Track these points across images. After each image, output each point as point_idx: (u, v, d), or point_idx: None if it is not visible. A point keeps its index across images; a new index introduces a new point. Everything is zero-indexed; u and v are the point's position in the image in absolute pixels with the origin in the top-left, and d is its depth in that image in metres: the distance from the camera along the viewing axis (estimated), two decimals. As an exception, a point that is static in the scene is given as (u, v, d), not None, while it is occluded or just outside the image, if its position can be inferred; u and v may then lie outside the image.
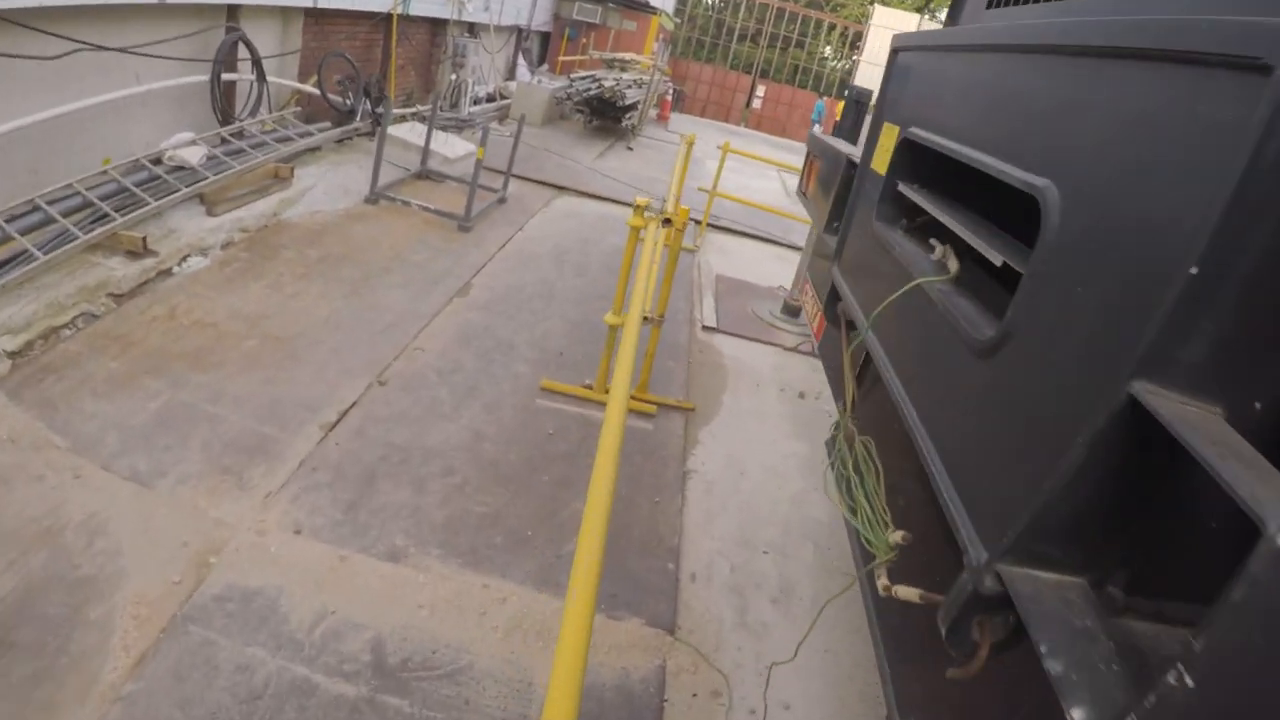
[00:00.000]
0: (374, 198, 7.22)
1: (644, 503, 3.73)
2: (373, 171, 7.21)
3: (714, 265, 7.92)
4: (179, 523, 3.05)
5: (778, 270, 8.57)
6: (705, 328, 6.07)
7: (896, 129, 2.20)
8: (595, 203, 9.38)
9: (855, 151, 3.03)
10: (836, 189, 3.03)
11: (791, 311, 6.59)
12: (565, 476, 3.80)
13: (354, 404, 4.11)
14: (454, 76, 12.66)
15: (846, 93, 5.81)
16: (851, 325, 2.43)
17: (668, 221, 3.84)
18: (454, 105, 12.54)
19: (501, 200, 8.21)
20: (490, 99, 14.19)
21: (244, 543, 3.04)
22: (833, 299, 2.71)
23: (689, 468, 4.18)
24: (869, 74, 25.18)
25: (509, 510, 3.52)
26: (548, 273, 6.51)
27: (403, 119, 10.28)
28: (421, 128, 9.10)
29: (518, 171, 9.47)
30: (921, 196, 1.98)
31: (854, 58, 30.06)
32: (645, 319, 4.13)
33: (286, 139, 7.43)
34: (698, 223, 9.27)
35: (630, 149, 14.18)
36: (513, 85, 14.84)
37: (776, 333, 6.33)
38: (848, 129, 5.72)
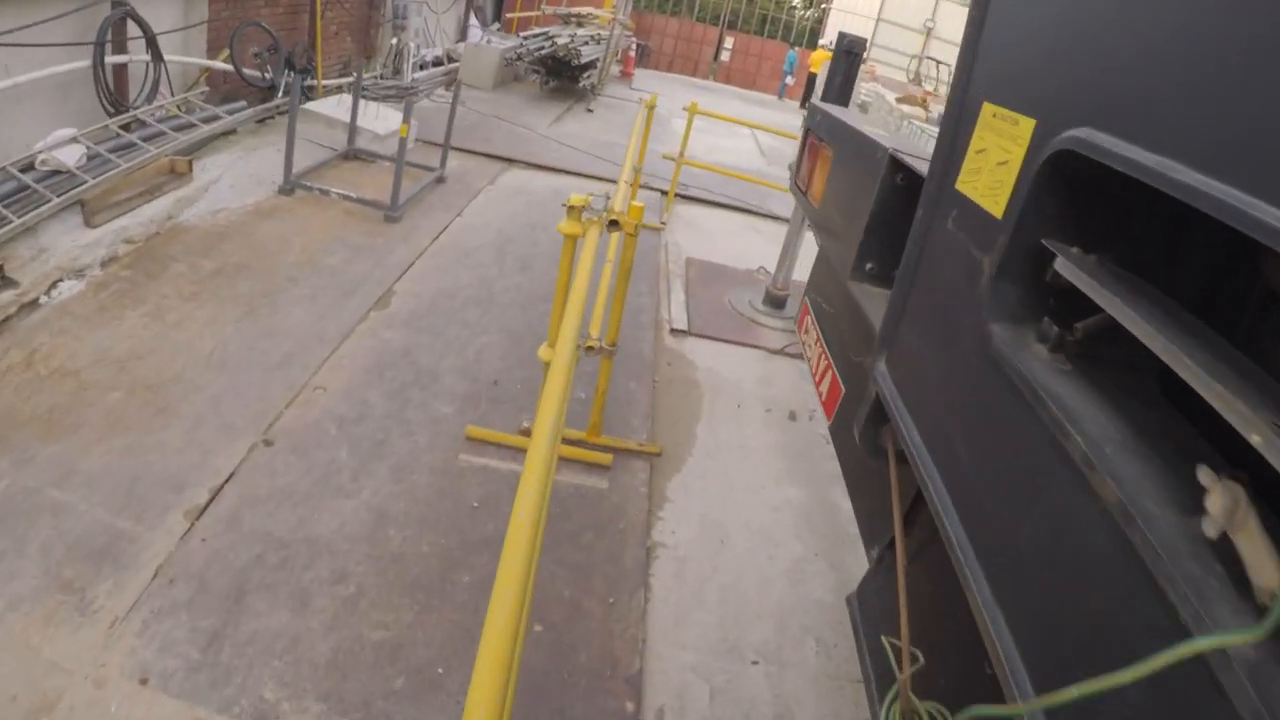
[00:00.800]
0: (289, 187, 6.17)
1: (595, 607, 2.84)
2: (285, 156, 6.14)
3: (683, 245, 6.96)
4: (6, 668, 2.29)
5: (756, 246, 7.62)
6: (675, 331, 5.14)
7: (1032, 125, 1.11)
8: (548, 175, 8.33)
9: (900, 147, 2.00)
10: (873, 210, 1.98)
11: (775, 302, 5.67)
12: (493, 574, 2.89)
13: (230, 476, 3.19)
14: (395, 40, 11.43)
15: (834, 42, 4.74)
16: (903, 460, 1.47)
17: (615, 224, 2.89)
18: (396, 72, 11.34)
19: (439, 180, 7.16)
20: (438, 63, 12.95)
21: (80, 698, 2.25)
22: (874, 418, 1.63)
23: (655, 539, 3.28)
24: (841, 22, 23.97)
25: (416, 633, 2.62)
26: (487, 269, 5.53)
27: (340, 90, 9.14)
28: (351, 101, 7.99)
29: (461, 144, 8.42)
30: (1115, 295, 0.90)
31: (823, 5, 28.74)
32: (592, 349, 3.22)
33: (189, 126, 6.33)
34: (664, 193, 8.28)
35: (590, 110, 13.04)
36: (463, 47, 13.59)
37: (759, 331, 5.42)
38: (838, 87, 4.75)
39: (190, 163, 6.00)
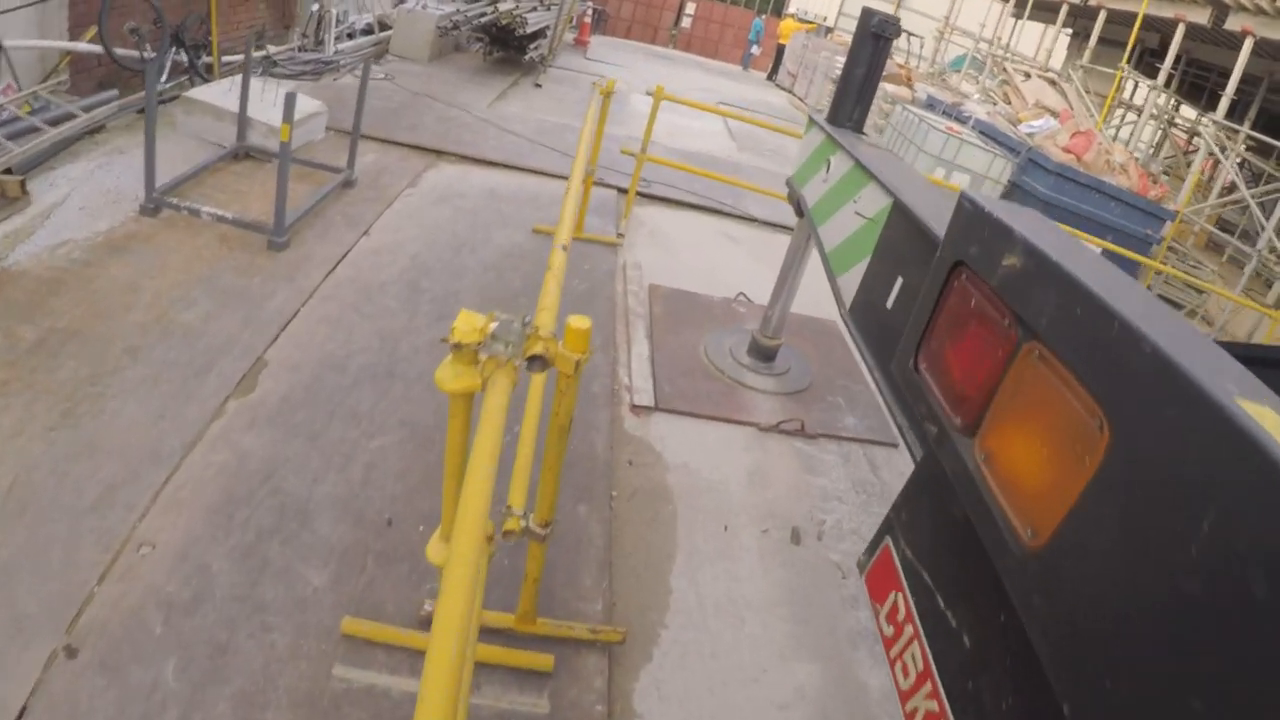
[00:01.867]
0: (152, 206, 4.77)
1: None
2: (146, 164, 4.72)
3: (646, 265, 5.72)
4: None
5: (732, 260, 6.43)
6: (637, 407, 3.94)
7: None
8: (483, 172, 6.98)
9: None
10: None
11: (764, 354, 4.50)
12: None
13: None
14: (316, 6, 9.87)
15: (859, 21, 3.46)
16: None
17: (538, 361, 1.68)
18: (319, 43, 9.81)
19: (346, 184, 5.81)
20: (369, 31, 11.39)
21: None
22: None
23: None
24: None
25: None
26: (392, 319, 4.24)
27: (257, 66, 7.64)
28: (254, 82, 6.54)
29: (380, 133, 7.04)
30: None
31: (790, -34, 27.30)
32: (514, 534, 2.05)
33: (31, 131, 4.91)
34: (622, 192, 7.02)
35: (539, 85, 11.60)
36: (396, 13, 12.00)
37: (744, 398, 4.25)
38: (859, 83, 3.53)
39: (22, 183, 4.58)
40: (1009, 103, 10.81)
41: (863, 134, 3.69)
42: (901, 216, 2.48)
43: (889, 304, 2.46)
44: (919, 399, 1.36)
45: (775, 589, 3.13)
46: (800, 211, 3.89)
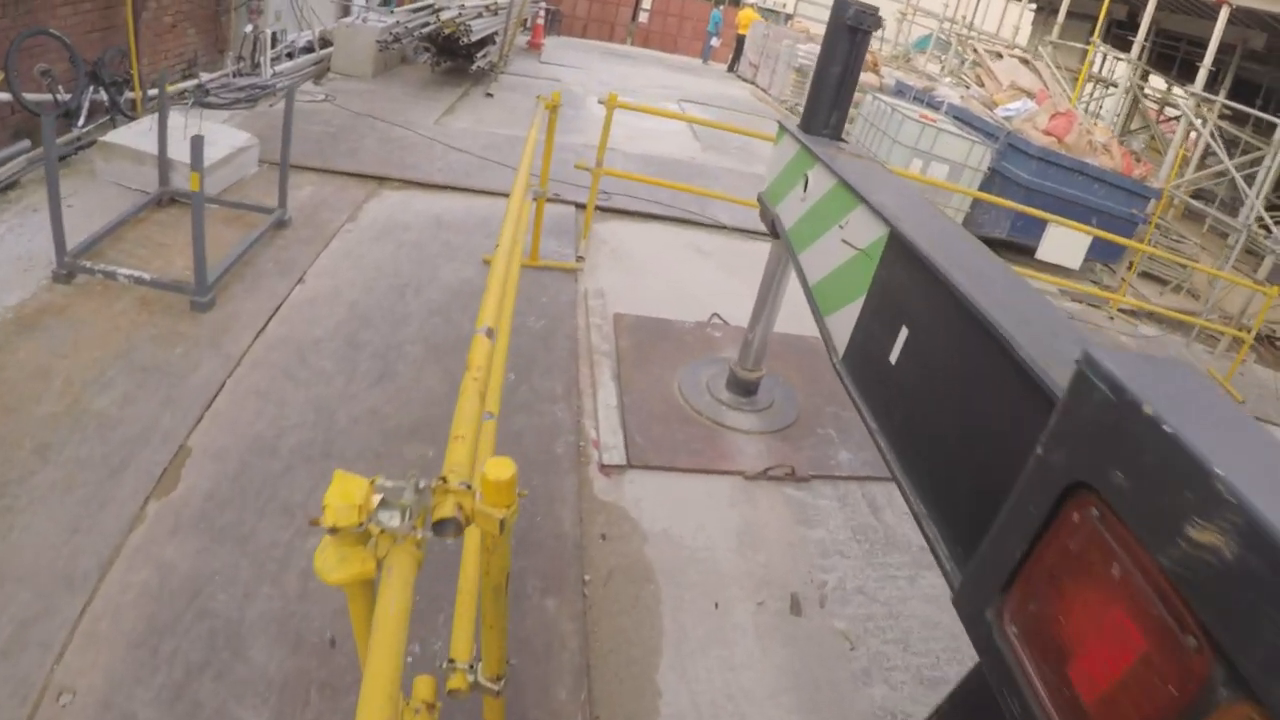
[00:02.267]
0: (65, 271, 4.29)
1: None
2: (52, 225, 4.22)
3: (609, 290, 5.31)
4: None
5: (702, 276, 6.04)
6: (607, 467, 3.54)
7: None
8: (429, 197, 6.52)
9: None
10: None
11: (744, 388, 4.11)
12: None
13: None
14: (250, 28, 9.33)
15: (832, 14, 3.04)
16: None
17: (450, 524, 1.27)
18: (255, 66, 9.28)
19: (280, 224, 5.34)
20: (310, 49, 10.84)
21: None
22: None
23: None
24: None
25: None
26: (329, 383, 3.80)
27: (176, 101, 7.13)
28: (178, 119, 6.04)
29: (316, 162, 6.57)
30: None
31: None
32: (459, 692, 1.65)
33: None
34: (580, 207, 6.61)
35: (490, 95, 11.12)
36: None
37: (727, 441, 3.86)
38: (836, 81, 3.13)
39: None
40: (982, 85, 10.47)
41: (842, 141, 3.30)
42: (902, 252, 2.09)
43: (892, 358, 2.08)
44: (999, 666, 0.94)
45: (777, 673, 2.75)
46: (776, 232, 3.50)
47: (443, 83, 11.14)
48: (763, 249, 7.00)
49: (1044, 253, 6.55)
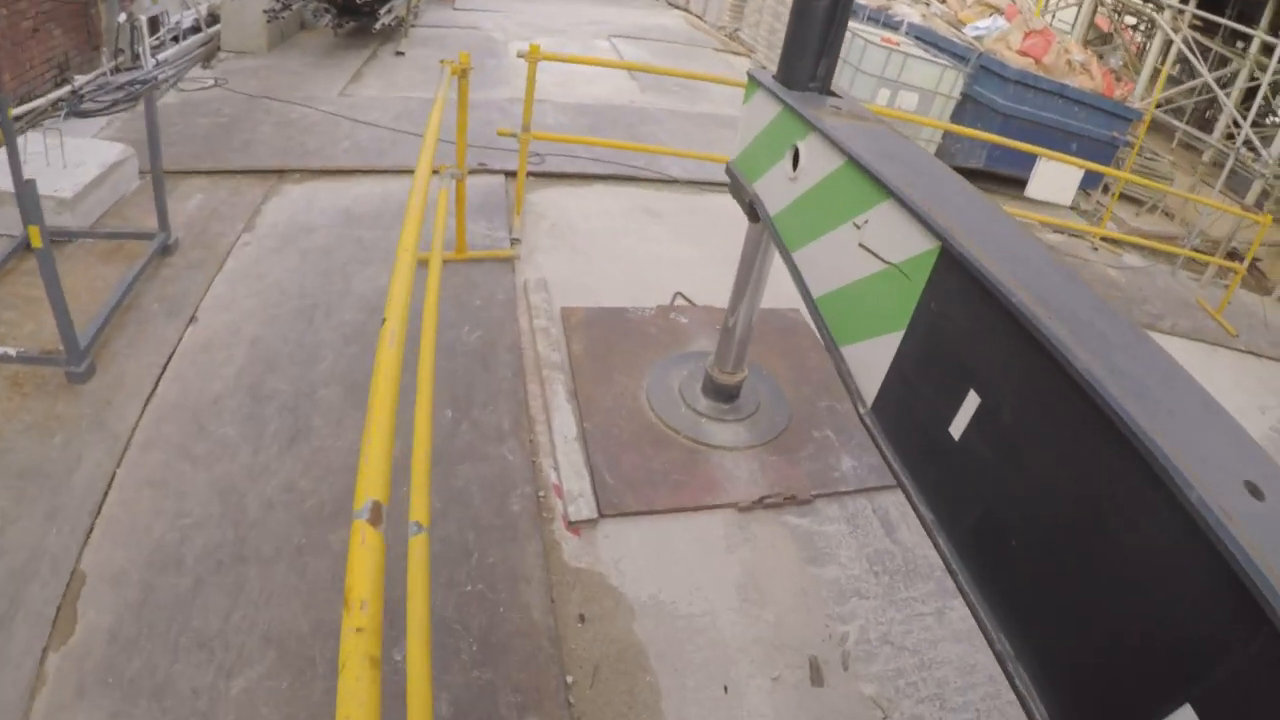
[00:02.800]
0: None
1: None
2: None
3: (553, 278, 4.65)
4: None
5: (657, 244, 5.42)
6: (575, 524, 2.97)
7: None
8: (336, 185, 5.72)
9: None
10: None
11: (724, 394, 3.56)
12: None
13: None
14: (123, 17, 8.17)
15: None
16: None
17: None
18: (136, 58, 8.17)
19: (165, 249, 4.55)
20: (197, 28, 9.65)
21: None
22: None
23: None
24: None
25: None
26: (233, 458, 3.13)
27: (45, 114, 6.17)
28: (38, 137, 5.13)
29: (208, 162, 5.74)
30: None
31: None
32: None
33: None
34: (509, 175, 5.90)
35: (401, 54, 10.08)
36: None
37: (712, 462, 3.31)
38: (821, 24, 2.47)
39: None
40: (944, 1, 9.72)
41: (834, 95, 2.64)
42: (964, 283, 1.50)
43: (954, 430, 1.52)
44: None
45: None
46: (754, 214, 2.89)
47: (348, 46, 10.07)
48: (722, 203, 6.36)
49: (1034, 190, 6.02)
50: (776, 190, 2.57)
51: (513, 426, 3.37)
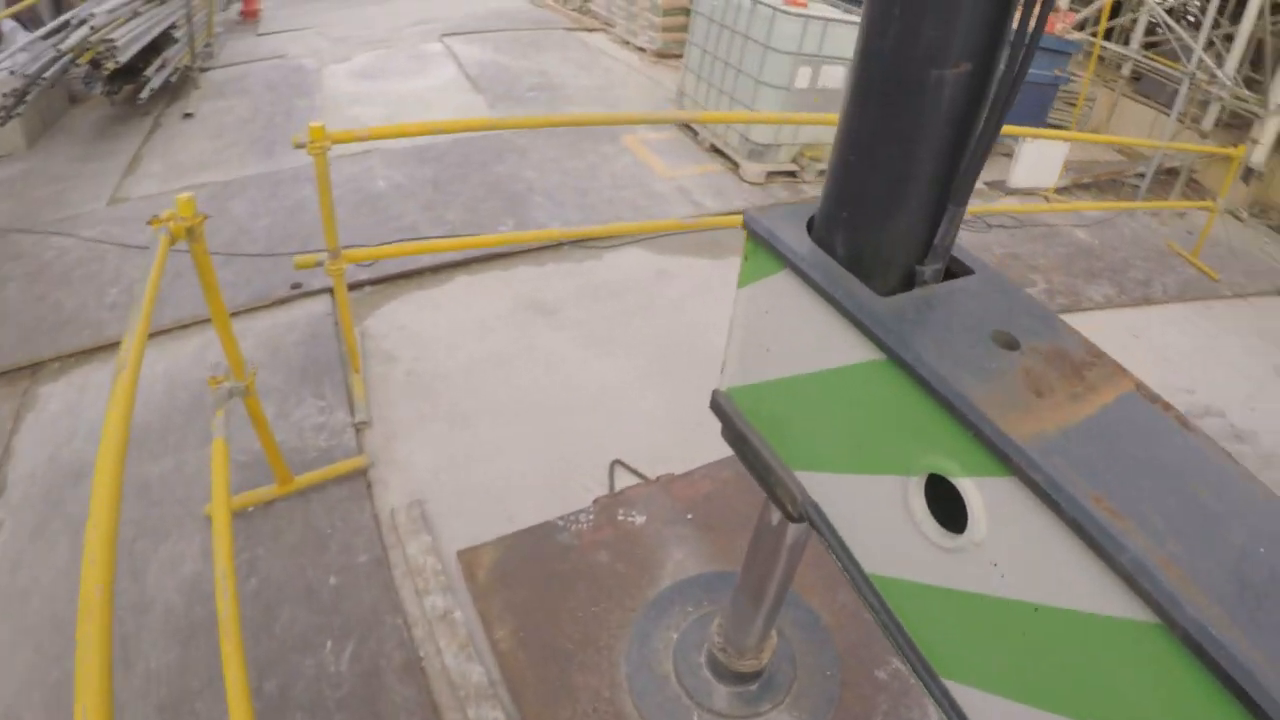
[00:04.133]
0: None
1: None
2: None
3: (433, 494, 3.20)
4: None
5: (562, 365, 4.05)
6: None
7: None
8: (108, 368, 4.12)
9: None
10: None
11: (742, 679, 2.26)
12: None
13: None
14: None
15: None
16: None
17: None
18: None
19: None
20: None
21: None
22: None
23: None
24: None
25: None
26: None
27: None
28: None
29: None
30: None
31: None
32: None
33: None
34: (330, 293, 4.39)
35: (189, 115, 8.17)
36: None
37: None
38: (932, 187, 1.15)
39: None
40: None
41: (962, 276, 1.29)
42: None
43: None
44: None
45: None
46: (795, 515, 1.51)
47: (127, 117, 8.05)
48: (631, 261, 4.96)
49: (1018, 179, 4.91)
50: (853, 494, 1.25)
51: None
